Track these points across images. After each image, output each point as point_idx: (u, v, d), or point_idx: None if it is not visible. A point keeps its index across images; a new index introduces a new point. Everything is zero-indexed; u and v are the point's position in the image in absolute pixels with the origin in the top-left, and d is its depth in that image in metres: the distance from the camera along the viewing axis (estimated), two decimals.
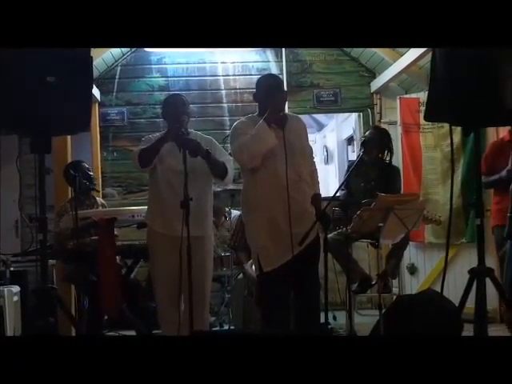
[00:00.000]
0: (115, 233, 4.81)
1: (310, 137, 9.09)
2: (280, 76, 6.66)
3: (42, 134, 3.11)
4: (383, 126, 6.55)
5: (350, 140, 8.16)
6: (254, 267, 4.29)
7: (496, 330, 4.64)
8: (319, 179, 3.91)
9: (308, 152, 3.79)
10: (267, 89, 3.63)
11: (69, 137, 5.34)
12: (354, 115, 7.23)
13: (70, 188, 4.06)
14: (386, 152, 4.91)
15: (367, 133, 5.07)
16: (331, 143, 9.07)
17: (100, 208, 4.96)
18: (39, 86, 2.93)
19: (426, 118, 3.21)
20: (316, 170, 3.87)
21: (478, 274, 2.93)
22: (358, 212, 3.90)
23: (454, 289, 4.53)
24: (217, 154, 3.83)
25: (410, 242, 5.26)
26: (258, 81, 3.78)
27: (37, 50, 2.86)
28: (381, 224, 3.75)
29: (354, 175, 4.69)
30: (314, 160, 3.95)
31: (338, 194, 4.10)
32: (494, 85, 2.80)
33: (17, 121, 3.02)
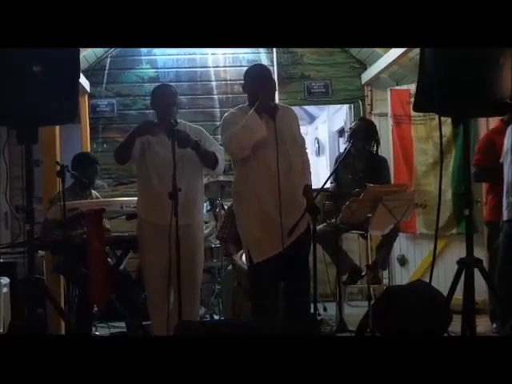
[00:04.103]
0: (107, 227, 4.82)
1: (302, 129, 9.07)
2: (271, 67, 6.65)
3: (28, 124, 3.08)
4: (374, 117, 6.57)
5: (341, 132, 8.15)
6: (243, 258, 4.29)
7: (484, 321, 4.66)
8: (311, 171, 3.90)
9: (299, 142, 3.77)
10: (256, 79, 3.61)
11: (57, 128, 5.30)
12: (345, 107, 7.22)
13: (58, 179, 4.02)
14: (372, 143, 4.92)
15: (353, 124, 5.09)
16: (323, 135, 9.06)
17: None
18: (25, 75, 2.89)
19: (414, 109, 3.21)
20: (308, 160, 3.85)
21: (467, 265, 2.93)
22: (347, 203, 3.90)
23: (443, 280, 4.55)
24: (207, 144, 3.83)
25: (400, 234, 5.27)
26: (247, 71, 3.77)
27: None
28: (369, 215, 3.75)
29: (341, 167, 4.70)
30: (306, 151, 3.93)
31: (327, 186, 4.10)
32: (482, 75, 2.80)
33: (3, 111, 2.98)
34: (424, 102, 2.97)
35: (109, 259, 4.68)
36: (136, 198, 4.05)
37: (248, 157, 3.55)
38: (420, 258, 6.10)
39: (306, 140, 3.97)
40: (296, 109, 7.44)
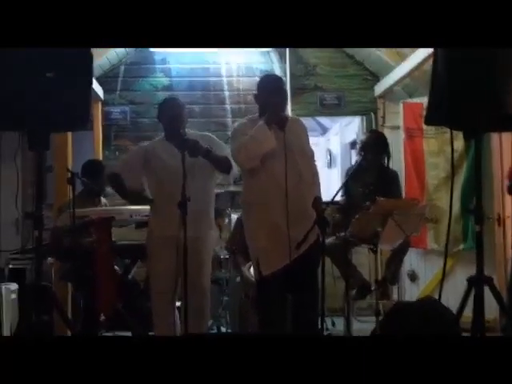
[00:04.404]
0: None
1: (314, 140, 9.09)
2: (284, 78, 6.64)
3: (40, 130, 3.08)
4: (386, 130, 6.54)
5: (353, 144, 8.10)
6: (251, 270, 4.26)
7: None
8: (322, 183, 3.87)
9: (309, 154, 3.75)
10: (267, 90, 3.60)
11: (70, 135, 5.32)
12: (358, 119, 7.19)
13: (69, 186, 4.03)
14: (383, 156, 4.88)
15: (364, 137, 5.06)
16: (335, 147, 9.02)
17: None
18: (38, 81, 2.90)
19: (425, 122, 3.17)
20: (317, 172, 3.82)
21: (477, 283, 2.89)
22: (356, 216, 3.87)
23: (454, 296, 4.49)
24: (218, 149, 3.81)
25: (411, 249, 5.22)
26: (260, 82, 3.76)
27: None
28: (379, 229, 3.72)
29: (352, 180, 4.66)
30: (316, 163, 3.91)
31: (337, 199, 4.07)
32: (495, 89, 2.76)
33: (15, 117, 2.99)
34: (435, 115, 2.93)
35: (116, 268, 4.67)
36: (145, 207, 4.04)
37: (257, 168, 3.53)
38: (430, 274, 6.04)
39: (317, 151, 3.95)
40: (308, 120, 7.53)
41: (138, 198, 3.96)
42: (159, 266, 3.78)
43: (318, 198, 3.64)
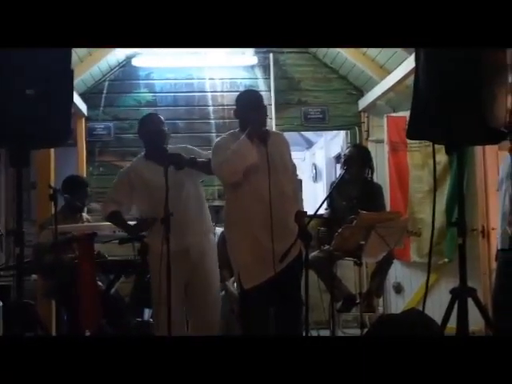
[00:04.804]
0: (105, 254, 4.79)
1: (299, 154, 9.13)
2: (267, 93, 6.69)
3: (19, 147, 3.07)
4: (371, 144, 6.57)
5: (338, 158, 8.13)
6: (235, 284, 4.25)
7: None
8: (308, 197, 3.88)
9: (291, 168, 3.75)
10: (247, 104, 3.62)
11: (52, 151, 5.30)
12: (342, 133, 7.21)
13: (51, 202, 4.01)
14: (367, 170, 4.91)
15: (347, 151, 5.09)
16: (320, 161, 9.05)
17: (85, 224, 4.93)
18: (18, 98, 2.89)
19: (407, 136, 3.19)
20: (299, 186, 3.83)
21: (460, 294, 2.90)
22: (340, 230, 3.88)
23: (438, 308, 4.49)
24: (197, 156, 3.86)
25: (396, 261, 5.23)
26: (238, 97, 3.77)
27: (17, 63, 2.84)
28: (362, 242, 3.73)
29: (336, 193, 4.69)
30: (298, 177, 3.92)
31: (321, 213, 4.08)
32: (477, 103, 2.77)
33: None
34: (417, 130, 2.95)
35: (100, 283, 4.64)
36: (132, 223, 4.03)
37: (239, 182, 3.53)
38: (416, 286, 6.05)
39: (302, 165, 3.97)
40: (293, 134, 7.56)
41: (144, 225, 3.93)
42: (157, 280, 3.71)
43: (301, 212, 3.64)
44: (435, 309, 4.72)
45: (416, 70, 2.92)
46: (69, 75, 3.08)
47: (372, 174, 4.97)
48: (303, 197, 3.96)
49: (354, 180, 4.84)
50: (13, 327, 3.19)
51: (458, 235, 2.98)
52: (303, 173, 8.70)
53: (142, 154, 4.04)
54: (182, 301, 3.87)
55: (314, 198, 8.17)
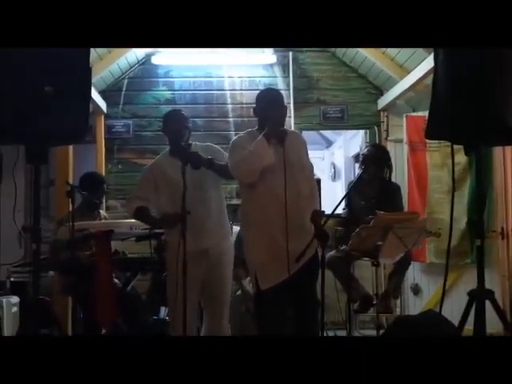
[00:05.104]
0: (123, 251, 4.80)
1: (318, 153, 9.09)
2: (286, 91, 6.67)
3: (37, 144, 3.08)
4: (390, 143, 6.53)
5: (357, 157, 8.08)
6: (251, 284, 4.23)
7: None
8: (326, 196, 3.85)
9: (308, 168, 3.72)
10: (266, 103, 3.58)
11: (71, 148, 5.33)
12: (362, 132, 7.17)
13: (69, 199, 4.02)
14: (385, 169, 4.87)
15: (365, 150, 5.05)
16: (339, 160, 9.01)
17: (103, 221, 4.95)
18: (37, 95, 2.90)
19: (426, 136, 3.16)
20: (316, 186, 3.79)
21: (478, 297, 2.86)
22: (357, 230, 3.85)
23: (457, 310, 4.44)
24: (219, 157, 3.83)
25: (414, 262, 5.19)
26: (258, 95, 3.73)
27: (35, 60, 2.85)
28: (380, 242, 3.69)
29: (354, 193, 4.65)
30: (316, 176, 3.88)
31: (339, 213, 4.05)
32: (495, 103, 2.74)
33: (14, 131, 2.99)
34: (436, 130, 2.92)
35: (116, 281, 4.65)
36: None
37: (255, 182, 3.51)
38: (434, 287, 6.00)
39: (321, 165, 3.94)
40: (312, 133, 7.52)
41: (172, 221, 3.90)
42: (173, 279, 3.68)
43: (317, 212, 3.62)
44: (454, 310, 4.69)
45: (435, 69, 2.89)
46: (87, 73, 3.08)
47: (390, 173, 4.93)
48: (322, 196, 3.93)
49: (372, 180, 4.80)
50: (28, 323, 3.20)
51: (475, 237, 2.96)
52: (322, 172, 8.67)
53: (167, 149, 4.02)
54: (197, 301, 3.86)
55: (332, 198, 8.09)
